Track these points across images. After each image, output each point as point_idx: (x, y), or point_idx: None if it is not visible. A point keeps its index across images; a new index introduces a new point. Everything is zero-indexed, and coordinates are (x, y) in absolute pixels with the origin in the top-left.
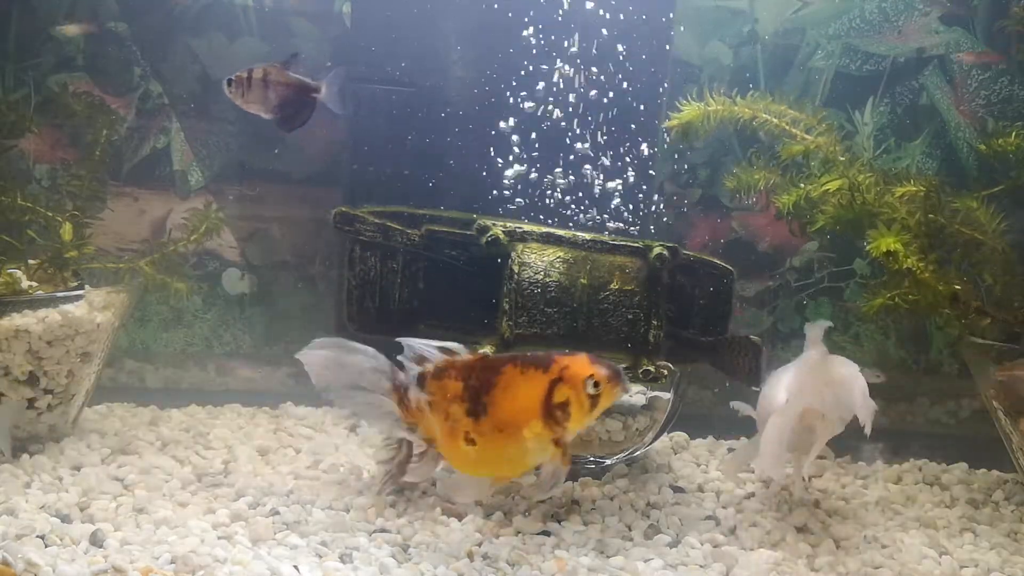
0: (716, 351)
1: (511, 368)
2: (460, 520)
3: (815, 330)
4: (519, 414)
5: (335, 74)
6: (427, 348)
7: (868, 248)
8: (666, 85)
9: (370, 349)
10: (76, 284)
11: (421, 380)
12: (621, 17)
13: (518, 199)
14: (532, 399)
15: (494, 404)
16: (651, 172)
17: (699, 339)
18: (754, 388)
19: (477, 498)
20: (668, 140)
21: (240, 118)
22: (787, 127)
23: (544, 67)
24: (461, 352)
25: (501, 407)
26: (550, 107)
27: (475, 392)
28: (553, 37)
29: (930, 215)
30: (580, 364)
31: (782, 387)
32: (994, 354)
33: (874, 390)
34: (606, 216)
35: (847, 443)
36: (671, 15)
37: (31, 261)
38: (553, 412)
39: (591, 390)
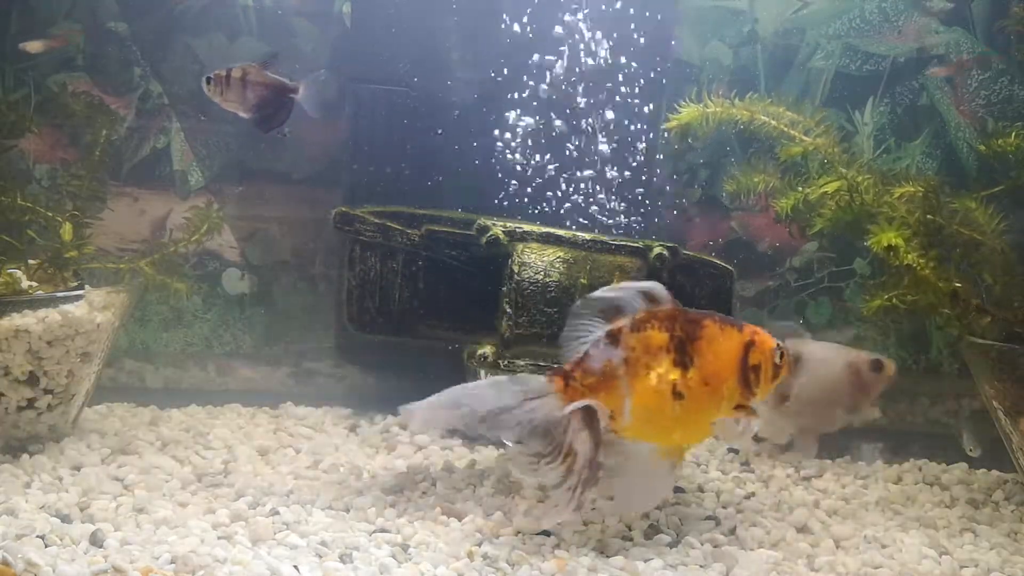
0: None
1: (710, 322)
2: (460, 520)
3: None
4: (722, 368)
5: (314, 77)
6: (625, 298)
7: (869, 243)
8: (665, 83)
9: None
10: (76, 284)
11: (613, 337)
12: (622, 18)
13: (518, 199)
14: (732, 356)
15: (700, 356)
16: (650, 172)
17: None
18: None
19: (654, 503)
20: (667, 140)
21: (240, 118)
22: (785, 129)
23: (544, 67)
24: (663, 297)
25: (707, 359)
26: (550, 106)
27: (681, 343)
28: (553, 37)
29: (929, 215)
30: (765, 333)
31: None
32: (994, 354)
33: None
34: (605, 216)
35: (847, 443)
36: (672, 15)
37: (31, 261)
38: (748, 373)
39: (777, 360)
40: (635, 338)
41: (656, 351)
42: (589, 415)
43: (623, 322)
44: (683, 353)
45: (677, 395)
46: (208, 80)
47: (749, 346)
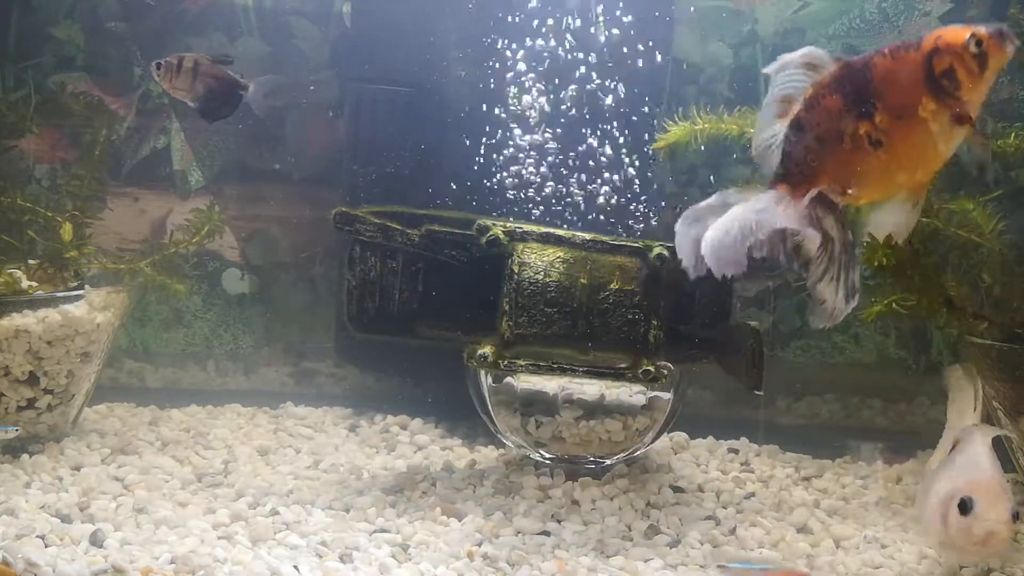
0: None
1: (879, 59)
2: (460, 520)
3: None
4: (908, 96)
5: (267, 80)
6: (792, 83)
7: (862, 260)
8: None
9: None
10: (76, 284)
11: (796, 125)
12: (621, 18)
13: (518, 200)
14: (913, 79)
15: (880, 97)
16: (650, 172)
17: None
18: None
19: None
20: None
21: (240, 119)
22: None
23: (544, 67)
24: (823, 59)
25: (888, 97)
26: (550, 107)
27: (855, 96)
28: (553, 37)
29: (924, 218)
30: (954, 30)
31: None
32: (994, 354)
33: (873, 389)
34: (604, 216)
35: (847, 443)
36: (671, 15)
37: (31, 261)
38: (939, 84)
39: (974, 49)
40: (812, 116)
41: (839, 115)
42: (825, 200)
43: (796, 107)
44: (863, 104)
45: (876, 144)
46: (158, 66)
47: (933, 55)
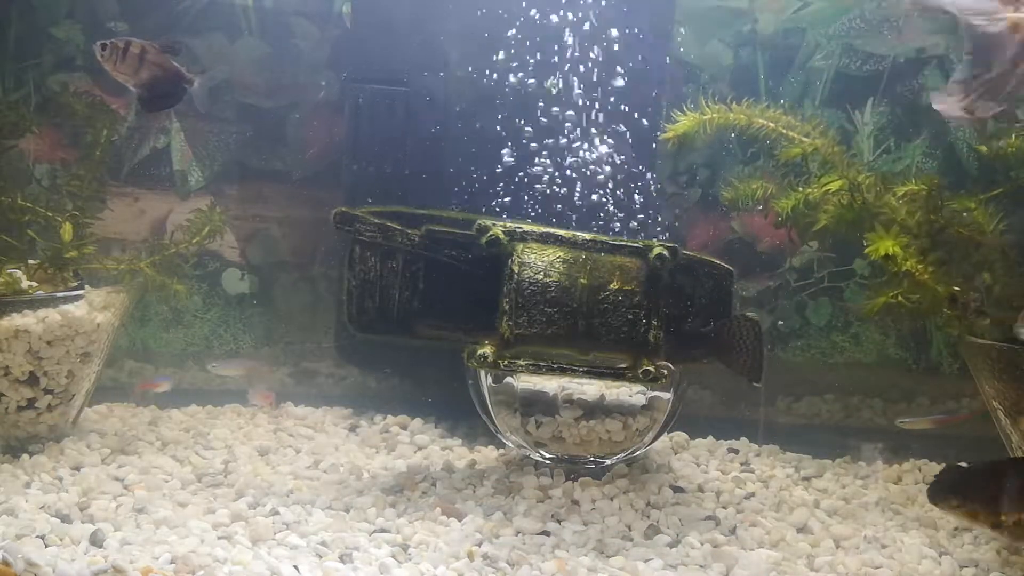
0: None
1: None
2: (460, 520)
3: None
4: None
5: (212, 74)
6: None
7: (867, 251)
8: (666, 85)
9: None
10: (76, 284)
11: None
12: (621, 17)
13: (518, 200)
14: None
15: None
16: (650, 172)
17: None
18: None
19: None
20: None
21: (240, 118)
22: (783, 132)
23: (544, 68)
24: None
25: None
26: (550, 107)
27: None
28: (553, 37)
29: (931, 216)
30: None
31: None
32: (994, 354)
33: (873, 389)
34: (605, 216)
35: (847, 443)
36: (671, 15)
37: (31, 261)
38: None
39: None
40: None
41: None
42: None
43: None
44: None
45: None
46: (103, 46)
47: None
